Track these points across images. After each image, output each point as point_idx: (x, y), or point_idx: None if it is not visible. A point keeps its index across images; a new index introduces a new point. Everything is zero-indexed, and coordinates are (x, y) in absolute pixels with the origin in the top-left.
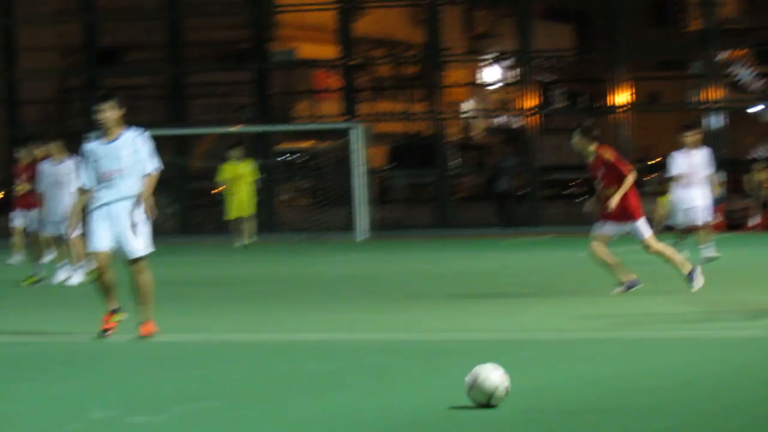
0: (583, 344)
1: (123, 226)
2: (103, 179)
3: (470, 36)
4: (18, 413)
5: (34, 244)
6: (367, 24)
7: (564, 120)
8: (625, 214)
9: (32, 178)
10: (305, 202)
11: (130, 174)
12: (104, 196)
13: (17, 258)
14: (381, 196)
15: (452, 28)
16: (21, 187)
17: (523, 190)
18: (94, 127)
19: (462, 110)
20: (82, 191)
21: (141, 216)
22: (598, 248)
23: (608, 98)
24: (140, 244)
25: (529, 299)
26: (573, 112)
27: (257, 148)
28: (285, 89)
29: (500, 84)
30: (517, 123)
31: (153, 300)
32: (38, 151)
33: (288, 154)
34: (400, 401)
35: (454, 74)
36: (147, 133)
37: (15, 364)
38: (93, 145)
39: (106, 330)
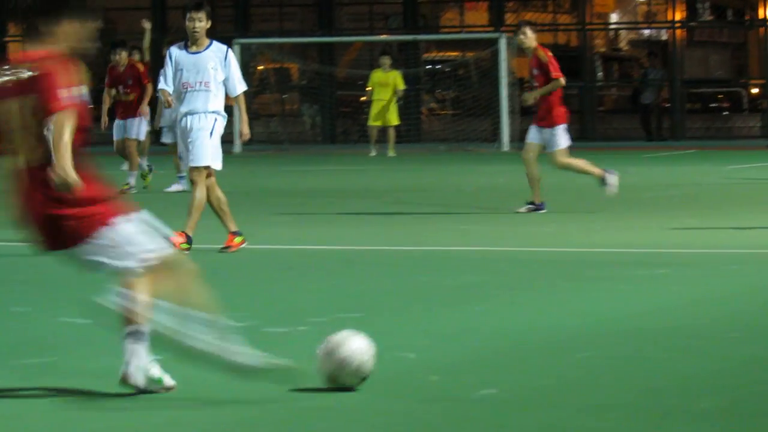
0: (724, 260)
1: (192, 137)
2: (181, 89)
3: None
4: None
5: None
6: None
7: (710, 33)
8: (546, 118)
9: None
10: (450, 112)
11: (209, 88)
12: (182, 107)
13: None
14: (525, 107)
15: None
16: (125, 97)
17: (667, 103)
18: (241, 34)
19: (608, 22)
20: (165, 92)
21: (209, 129)
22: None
23: (756, 12)
24: (203, 154)
25: (670, 214)
26: (720, 25)
27: (404, 56)
28: None
29: None
30: (663, 35)
31: (196, 216)
32: (119, 58)
33: (434, 64)
34: (541, 316)
35: None
36: (231, 50)
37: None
38: (179, 53)
39: (227, 247)
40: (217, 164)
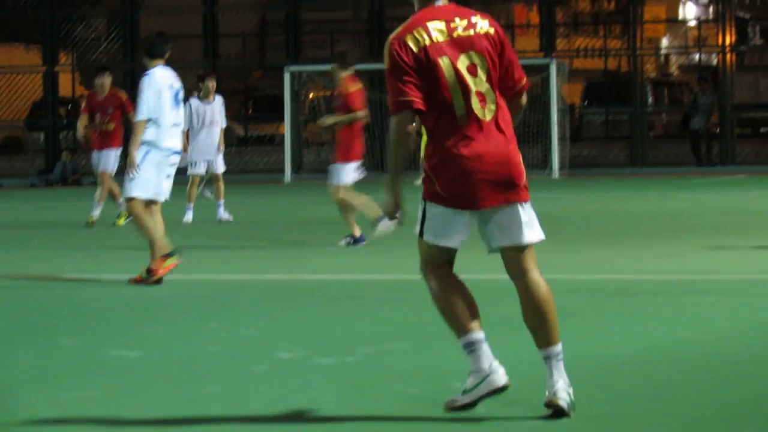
0: None
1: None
2: None
3: None
4: (207, 353)
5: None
6: None
7: (760, 57)
8: (337, 153)
9: (106, 112)
10: None
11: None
12: None
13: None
14: (575, 133)
15: None
16: (105, 125)
17: (717, 129)
18: (292, 61)
19: (659, 47)
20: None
21: (133, 160)
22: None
23: None
24: (127, 186)
25: (719, 240)
26: None
27: None
28: None
29: (697, 20)
30: (713, 60)
31: (152, 242)
32: (103, 83)
33: None
34: (590, 344)
35: (651, 10)
36: (148, 77)
37: (204, 303)
38: None
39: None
40: (141, 194)
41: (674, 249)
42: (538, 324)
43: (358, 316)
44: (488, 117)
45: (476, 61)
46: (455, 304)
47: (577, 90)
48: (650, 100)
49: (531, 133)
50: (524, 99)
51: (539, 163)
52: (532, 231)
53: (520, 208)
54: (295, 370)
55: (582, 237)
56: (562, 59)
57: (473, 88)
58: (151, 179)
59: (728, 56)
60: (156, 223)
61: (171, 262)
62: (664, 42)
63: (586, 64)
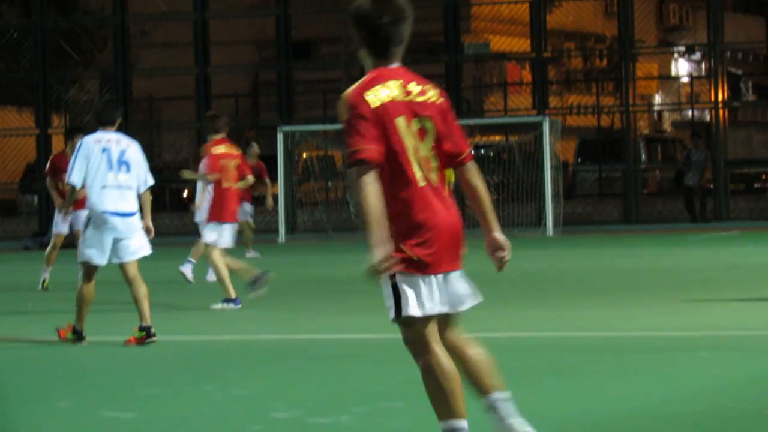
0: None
1: None
2: None
3: (662, 28)
4: (201, 414)
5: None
6: (559, 16)
7: (753, 113)
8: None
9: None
10: (494, 196)
11: None
12: None
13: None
14: (569, 190)
15: (644, 20)
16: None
17: (710, 185)
18: (285, 121)
19: (652, 103)
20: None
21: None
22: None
23: None
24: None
25: (714, 296)
26: (763, 105)
27: None
28: (477, 82)
29: (690, 77)
30: (706, 116)
31: (78, 310)
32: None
33: (478, 148)
34: (586, 402)
35: (643, 67)
36: (78, 144)
37: (198, 363)
38: None
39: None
40: (85, 259)
41: (668, 305)
42: (478, 375)
43: (352, 375)
44: (436, 182)
45: (426, 126)
46: (450, 387)
47: (570, 147)
48: (643, 156)
49: (524, 190)
50: (472, 168)
51: (533, 220)
52: (472, 296)
53: (462, 274)
54: (291, 430)
55: (576, 294)
56: (555, 117)
57: (421, 153)
58: (93, 243)
59: (721, 112)
60: (90, 295)
61: (70, 337)
62: (657, 99)
63: (579, 121)
